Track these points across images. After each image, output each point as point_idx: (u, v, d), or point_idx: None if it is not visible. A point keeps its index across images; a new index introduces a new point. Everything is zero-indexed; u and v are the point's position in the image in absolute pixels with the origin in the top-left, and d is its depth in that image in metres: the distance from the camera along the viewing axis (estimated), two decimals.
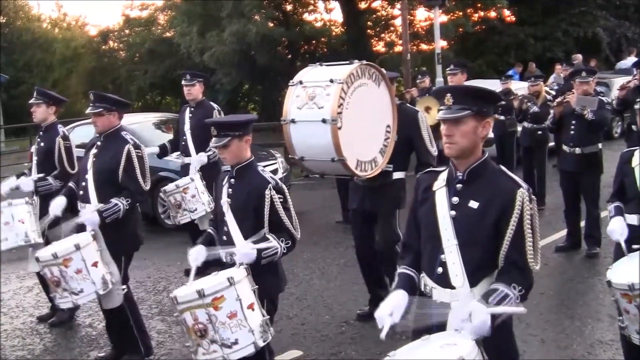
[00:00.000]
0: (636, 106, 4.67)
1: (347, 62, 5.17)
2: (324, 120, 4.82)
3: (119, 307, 5.16)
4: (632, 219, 4.42)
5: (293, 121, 5.01)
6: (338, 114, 4.82)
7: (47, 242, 5.80)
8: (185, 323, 3.65)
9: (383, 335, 2.82)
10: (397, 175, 5.72)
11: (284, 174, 10.63)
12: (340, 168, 5.02)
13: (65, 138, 6.39)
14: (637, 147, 4.54)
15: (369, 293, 6.12)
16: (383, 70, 5.38)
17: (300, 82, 5.10)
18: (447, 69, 9.46)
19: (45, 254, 4.75)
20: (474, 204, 2.91)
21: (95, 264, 4.83)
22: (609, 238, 4.48)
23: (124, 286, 5.19)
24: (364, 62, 5.17)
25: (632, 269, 3.81)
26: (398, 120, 5.47)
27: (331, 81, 4.90)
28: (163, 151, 7.87)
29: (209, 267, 4.12)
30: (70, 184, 5.53)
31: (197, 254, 4.08)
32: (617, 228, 4.31)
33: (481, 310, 2.61)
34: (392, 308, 2.92)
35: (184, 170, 7.63)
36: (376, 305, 6.27)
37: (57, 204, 5.36)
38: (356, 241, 6.11)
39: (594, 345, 5.33)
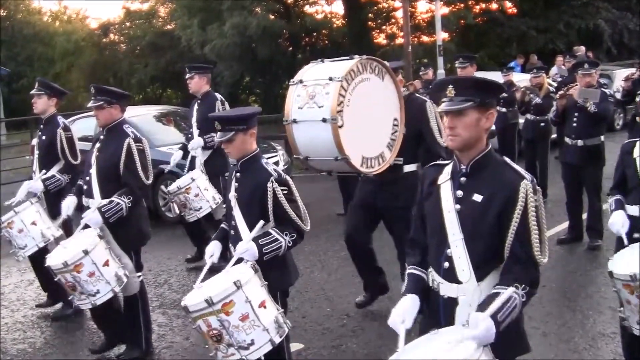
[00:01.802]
0: (637, 99, 4.64)
1: (348, 57, 5.08)
2: (324, 120, 4.76)
3: (133, 297, 5.18)
4: (634, 209, 4.41)
5: (295, 121, 4.95)
6: (338, 112, 4.75)
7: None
8: (200, 330, 3.64)
9: (401, 344, 2.76)
10: (409, 168, 5.59)
11: (285, 167, 10.63)
12: (345, 166, 4.96)
13: (66, 129, 6.37)
14: (638, 139, 4.52)
15: (362, 278, 6.09)
16: (386, 63, 5.28)
17: (301, 81, 5.02)
18: (457, 61, 9.42)
19: (56, 263, 4.74)
20: (477, 197, 2.87)
21: (106, 263, 4.83)
22: (611, 230, 4.46)
23: (139, 273, 5.24)
24: (364, 56, 5.07)
25: (633, 260, 3.79)
26: (406, 111, 5.37)
27: (330, 79, 4.83)
28: (185, 150, 7.86)
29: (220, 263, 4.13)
30: (80, 181, 5.49)
31: (212, 250, 4.10)
32: (618, 221, 4.30)
33: (481, 317, 2.56)
34: (404, 315, 2.88)
35: (191, 162, 7.62)
36: (372, 291, 6.27)
37: (68, 205, 5.34)
38: (349, 230, 5.92)
39: (596, 338, 5.32)
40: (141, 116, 11.55)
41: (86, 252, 4.71)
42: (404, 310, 2.90)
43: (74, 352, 5.73)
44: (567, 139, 7.75)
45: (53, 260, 4.81)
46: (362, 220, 5.83)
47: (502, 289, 2.72)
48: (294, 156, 5.20)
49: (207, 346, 3.72)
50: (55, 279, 4.84)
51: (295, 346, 5.43)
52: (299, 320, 5.99)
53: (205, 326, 3.58)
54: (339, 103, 4.78)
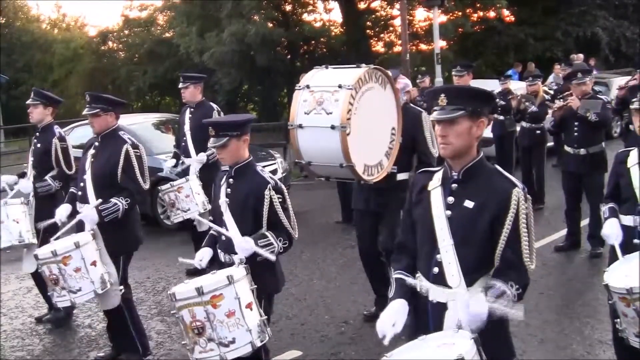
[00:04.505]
0: (632, 106, 4.67)
1: (355, 65, 5.11)
2: (332, 127, 4.76)
3: (117, 308, 5.16)
4: (628, 220, 4.42)
5: (300, 126, 4.95)
6: (347, 120, 4.77)
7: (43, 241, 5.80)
8: (182, 320, 3.63)
9: (386, 342, 2.79)
10: (402, 176, 5.67)
11: (284, 175, 10.64)
12: (348, 173, 4.98)
13: (62, 139, 6.38)
14: (633, 148, 4.54)
15: (375, 293, 6.10)
16: (389, 72, 5.33)
17: (307, 87, 5.02)
18: (454, 70, 9.46)
19: (45, 252, 4.73)
20: (469, 204, 2.91)
21: (94, 263, 4.83)
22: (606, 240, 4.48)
23: (121, 287, 5.18)
24: (372, 66, 5.11)
25: (629, 272, 3.78)
26: (402, 120, 5.44)
27: (340, 87, 4.84)
28: (177, 158, 7.90)
29: (208, 266, 4.15)
30: (72, 189, 5.50)
31: (202, 255, 4.16)
32: (612, 232, 4.31)
33: (480, 299, 2.62)
34: (395, 317, 2.91)
35: (184, 172, 7.63)
36: (382, 305, 6.30)
37: (62, 211, 5.34)
38: (359, 241, 6.10)
39: (593, 345, 5.33)
40: (139, 124, 11.57)
41: (77, 245, 4.71)
42: (395, 312, 2.93)
43: None
44: (567, 148, 7.75)
45: (42, 249, 4.81)
46: (368, 230, 5.95)
47: (499, 281, 2.76)
48: (296, 160, 5.22)
49: (184, 342, 3.71)
50: (39, 270, 4.82)
51: (293, 353, 5.45)
52: (297, 328, 6.01)
53: (190, 317, 3.58)
54: (347, 111, 4.79)
